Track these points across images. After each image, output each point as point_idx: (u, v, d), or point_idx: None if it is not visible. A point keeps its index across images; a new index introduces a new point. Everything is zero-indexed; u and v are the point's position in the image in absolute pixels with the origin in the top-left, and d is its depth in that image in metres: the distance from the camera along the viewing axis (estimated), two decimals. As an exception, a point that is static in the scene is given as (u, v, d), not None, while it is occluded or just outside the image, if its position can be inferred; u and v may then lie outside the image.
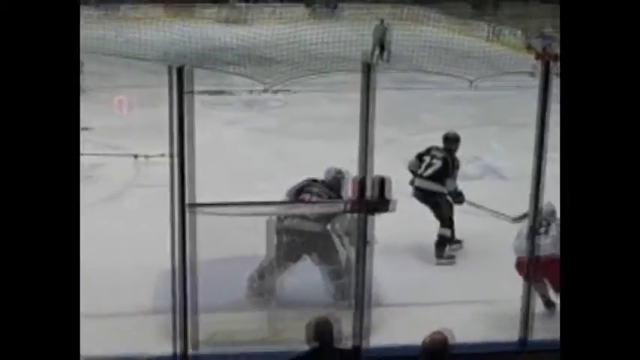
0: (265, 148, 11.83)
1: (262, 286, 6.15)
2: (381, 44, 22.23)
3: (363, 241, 4.21)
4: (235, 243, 6.05)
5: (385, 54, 21.79)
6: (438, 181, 7.83)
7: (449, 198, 7.86)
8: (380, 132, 4.48)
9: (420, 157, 8.03)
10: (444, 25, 28.10)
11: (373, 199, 4.11)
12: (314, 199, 6.35)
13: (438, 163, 7.88)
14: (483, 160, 11.27)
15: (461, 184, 8.49)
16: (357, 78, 4.67)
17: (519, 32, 26.67)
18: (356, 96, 4.65)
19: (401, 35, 20.39)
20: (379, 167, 4.45)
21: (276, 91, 15.87)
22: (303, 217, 6.25)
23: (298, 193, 6.49)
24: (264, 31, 20.67)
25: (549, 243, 5.92)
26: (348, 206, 4.17)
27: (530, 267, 5.36)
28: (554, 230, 6.08)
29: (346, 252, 6.24)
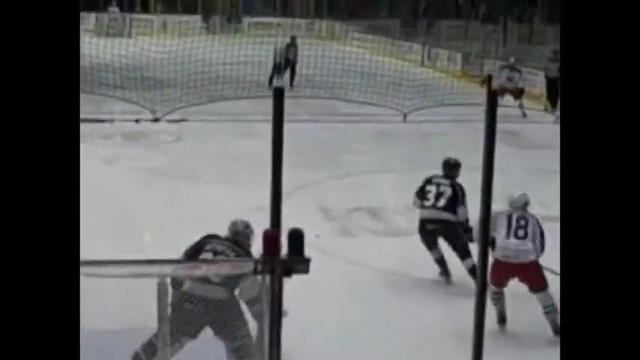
0: (153, 193, 11.72)
1: None
2: (292, 67, 22.72)
3: (277, 310, 4.20)
4: (116, 313, 5.97)
5: (293, 79, 22.31)
6: (452, 211, 8.58)
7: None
8: (292, 175, 4.52)
9: (422, 190, 8.91)
10: (370, 46, 28.59)
11: (289, 258, 4.10)
12: (220, 256, 6.33)
13: (448, 191, 8.69)
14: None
15: (392, 240, 8.66)
16: (265, 106, 4.70)
17: (458, 56, 27.51)
18: (264, 128, 4.67)
19: (318, 57, 20.56)
20: (289, 218, 4.46)
21: (168, 121, 15.80)
22: (204, 280, 6.18)
23: (197, 253, 6.42)
24: (152, 47, 20.50)
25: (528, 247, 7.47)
26: (259, 266, 4.14)
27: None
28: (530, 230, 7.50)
29: (257, 324, 6.21)
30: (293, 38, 22.95)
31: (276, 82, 20.76)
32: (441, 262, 8.82)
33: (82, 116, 5.55)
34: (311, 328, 6.89)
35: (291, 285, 4.24)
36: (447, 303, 7.97)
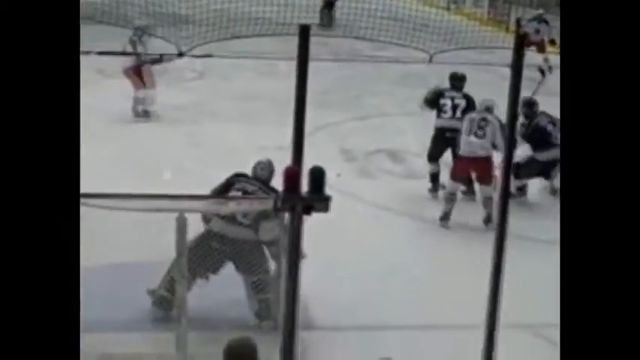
0: (176, 131, 11.72)
1: (170, 300, 6.07)
2: (330, 4, 22.74)
3: (295, 248, 4.16)
4: (131, 245, 5.97)
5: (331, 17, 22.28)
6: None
7: None
8: (314, 115, 4.45)
9: (436, 102, 9.68)
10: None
11: (309, 196, 4.05)
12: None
13: (462, 103, 9.61)
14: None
15: (411, 183, 8.61)
16: (289, 45, 4.63)
17: (485, 1, 27.14)
18: (287, 67, 4.62)
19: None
20: (310, 158, 4.41)
21: (194, 56, 15.73)
22: (233, 221, 6.32)
23: (226, 191, 6.49)
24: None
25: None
26: (279, 203, 4.10)
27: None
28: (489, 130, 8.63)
29: (275, 264, 6.25)
30: None
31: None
32: (436, 177, 9.63)
33: (103, 48, 5.53)
34: (329, 268, 6.88)
35: (311, 224, 4.21)
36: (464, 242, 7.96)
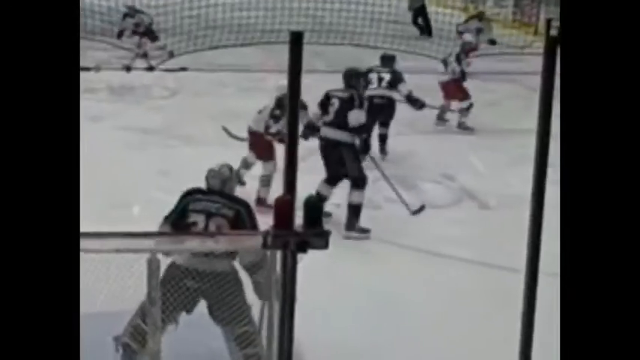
0: (145, 157, 11.76)
1: (137, 350, 6.08)
2: (423, 11, 24.20)
3: (289, 292, 4.20)
4: (91, 291, 5.99)
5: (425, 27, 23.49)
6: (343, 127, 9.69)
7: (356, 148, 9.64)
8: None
9: (365, 76, 11.02)
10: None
11: (304, 231, 4.10)
12: (215, 223, 6.26)
13: (387, 77, 12.54)
14: (458, 181, 11.49)
15: (426, 214, 8.57)
16: (277, 56, 4.69)
17: (510, 0, 27.31)
18: (274, 81, 4.66)
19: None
20: (305, 186, 4.45)
21: (166, 70, 15.83)
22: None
23: (183, 217, 6.34)
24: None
25: None
26: (269, 240, 4.13)
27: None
28: None
29: (259, 301, 6.18)
30: None
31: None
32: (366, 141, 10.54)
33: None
34: (327, 315, 6.90)
35: (305, 262, 4.24)
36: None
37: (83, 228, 5.02)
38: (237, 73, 15.59)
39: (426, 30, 24.01)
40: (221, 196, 6.40)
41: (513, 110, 14.69)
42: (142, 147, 12.23)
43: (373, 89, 11.97)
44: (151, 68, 13.73)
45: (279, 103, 9.66)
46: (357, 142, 9.66)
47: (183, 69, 16.33)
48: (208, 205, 6.32)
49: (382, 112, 12.27)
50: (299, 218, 4.05)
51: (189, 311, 6.20)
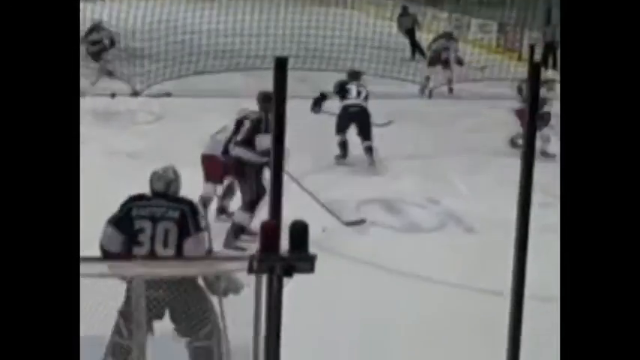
0: (129, 182, 11.67)
1: None
2: (412, 39, 24.90)
3: (274, 319, 4.18)
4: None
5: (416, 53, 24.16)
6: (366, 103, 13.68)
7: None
8: (293, 160, 4.52)
9: (342, 89, 13.77)
10: (389, 15, 28.56)
11: (290, 255, 4.09)
12: (159, 229, 6.20)
13: (364, 90, 13.89)
14: (442, 205, 11.48)
15: (410, 238, 8.56)
16: (262, 81, 4.69)
17: (494, 26, 27.44)
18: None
19: (321, 25, 20.69)
20: (291, 209, 4.45)
21: (151, 96, 15.85)
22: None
23: (129, 225, 6.25)
24: (124, 13, 20.60)
25: None
26: (254, 264, 4.13)
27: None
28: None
29: (222, 321, 6.09)
30: (405, 8, 23.71)
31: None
32: (344, 145, 13.67)
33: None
34: (311, 339, 6.87)
35: (291, 287, 4.23)
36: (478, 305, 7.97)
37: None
38: (221, 99, 15.55)
39: (418, 51, 24.50)
40: (165, 199, 6.35)
41: (497, 133, 14.71)
42: (127, 171, 12.18)
43: (351, 99, 13.69)
44: (135, 94, 13.72)
45: (238, 125, 10.02)
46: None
47: (168, 94, 16.35)
48: (153, 211, 6.27)
49: (357, 119, 13.56)
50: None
51: (159, 317, 6.08)
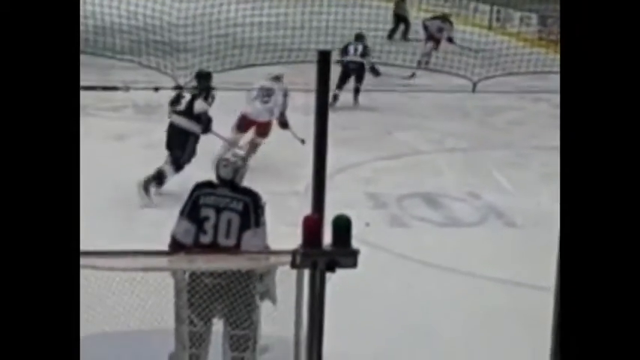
0: (176, 177, 11.74)
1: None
2: (406, 21, 26.45)
3: (317, 312, 4.17)
4: (124, 311, 5.99)
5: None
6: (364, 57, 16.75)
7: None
8: (334, 155, 4.48)
9: (345, 48, 16.88)
10: (432, 9, 28.50)
11: (333, 250, 4.08)
12: (223, 218, 6.30)
13: (360, 47, 16.96)
14: (484, 199, 11.40)
15: (452, 232, 8.51)
16: (304, 75, 4.68)
17: (534, 18, 27.26)
18: (302, 100, 4.64)
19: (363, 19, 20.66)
20: (332, 204, 4.42)
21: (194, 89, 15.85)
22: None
23: (197, 212, 6.36)
24: (164, 7, 20.65)
25: None
26: (298, 259, 4.11)
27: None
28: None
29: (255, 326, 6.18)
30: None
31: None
32: (335, 97, 15.35)
33: (88, 84, 5.61)
34: (355, 333, 6.87)
35: (335, 281, 4.22)
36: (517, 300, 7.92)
37: (109, 245, 5.05)
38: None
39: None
40: (231, 189, 6.41)
41: (539, 128, 14.62)
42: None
43: (350, 56, 16.58)
44: (179, 87, 13.71)
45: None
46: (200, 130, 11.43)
47: (211, 88, 16.30)
48: (218, 200, 6.34)
49: (355, 72, 16.49)
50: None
51: (207, 320, 6.19)
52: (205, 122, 11.90)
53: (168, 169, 11.18)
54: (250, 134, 12.62)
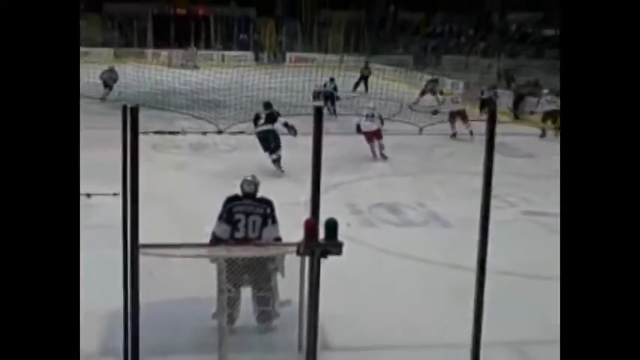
0: (213, 193, 11.71)
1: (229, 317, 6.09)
2: (366, 79, 26.32)
3: (315, 284, 4.17)
4: (178, 285, 5.99)
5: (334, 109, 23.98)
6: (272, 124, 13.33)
7: None
8: (325, 178, 4.50)
9: (256, 119, 13.47)
10: (390, 77, 28.59)
11: (325, 242, 4.08)
12: (250, 220, 6.43)
13: (263, 115, 13.37)
14: (427, 207, 11.31)
15: (406, 230, 8.45)
16: (303, 122, 4.68)
17: (461, 84, 27.31)
18: (305, 141, 4.66)
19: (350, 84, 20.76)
20: (324, 211, 4.44)
21: (230, 133, 15.87)
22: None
23: (231, 216, 6.46)
24: (211, 77, 20.95)
25: None
26: (300, 249, 4.12)
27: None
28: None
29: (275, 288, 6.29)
30: (332, 79, 22.75)
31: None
32: (277, 160, 13.13)
33: (157, 129, 5.61)
34: (341, 300, 6.85)
35: (326, 264, 4.22)
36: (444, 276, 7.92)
37: (172, 241, 5.05)
38: (282, 136, 15.63)
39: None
40: (253, 200, 6.52)
41: (463, 159, 14.62)
42: (212, 185, 12.20)
43: (259, 126, 13.30)
44: (219, 132, 13.73)
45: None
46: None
47: (241, 132, 16.25)
48: (246, 208, 6.47)
49: (267, 140, 13.19)
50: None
51: (236, 286, 6.21)
52: (292, 127, 12.80)
53: (275, 156, 12.86)
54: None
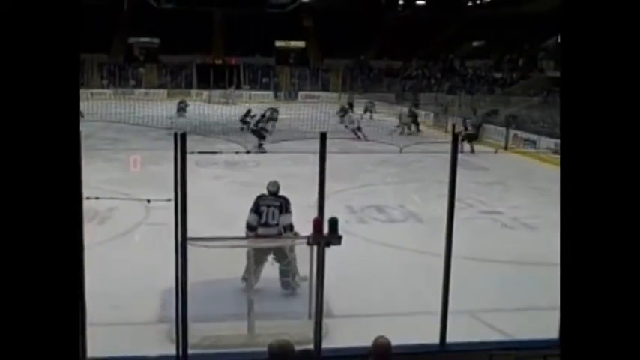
0: (243, 198, 11.72)
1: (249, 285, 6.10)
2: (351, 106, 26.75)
3: (321, 268, 4.16)
4: (216, 268, 6.00)
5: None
6: None
7: None
8: (329, 186, 4.51)
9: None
10: (376, 109, 28.67)
11: (328, 236, 4.08)
12: (270, 211, 6.68)
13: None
14: (407, 209, 11.30)
15: (391, 226, 8.43)
16: (311, 146, 4.72)
17: (431, 115, 27.32)
18: (312, 158, 4.66)
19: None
20: (328, 211, 4.45)
21: (256, 153, 15.99)
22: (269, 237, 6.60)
23: (258, 208, 6.77)
24: (242, 109, 21.16)
25: None
26: (310, 240, 4.13)
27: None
28: None
29: (293, 263, 6.41)
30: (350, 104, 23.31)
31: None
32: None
33: (200, 150, 5.62)
34: (340, 278, 6.81)
35: (330, 252, 4.21)
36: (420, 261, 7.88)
37: (210, 234, 5.06)
38: (293, 154, 15.60)
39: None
40: (274, 196, 6.83)
41: (436, 170, 14.58)
42: (242, 193, 12.20)
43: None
44: (247, 152, 13.81)
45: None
46: None
47: (264, 152, 16.29)
48: (268, 202, 6.78)
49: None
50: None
51: (261, 262, 6.43)
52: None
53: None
54: None
